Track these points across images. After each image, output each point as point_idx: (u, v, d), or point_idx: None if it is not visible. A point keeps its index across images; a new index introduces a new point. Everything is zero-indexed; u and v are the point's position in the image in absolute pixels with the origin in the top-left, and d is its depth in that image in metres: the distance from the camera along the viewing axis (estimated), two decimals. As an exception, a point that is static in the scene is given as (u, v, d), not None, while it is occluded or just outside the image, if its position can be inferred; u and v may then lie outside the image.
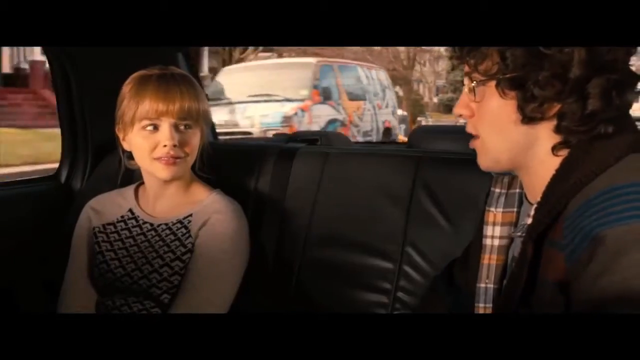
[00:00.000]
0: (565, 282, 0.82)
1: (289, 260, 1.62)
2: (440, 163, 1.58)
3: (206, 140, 1.51)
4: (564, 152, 0.91)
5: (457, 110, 1.00)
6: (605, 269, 0.77)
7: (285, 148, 1.81)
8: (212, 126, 2.27)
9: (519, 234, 0.99)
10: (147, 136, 1.40)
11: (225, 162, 1.70)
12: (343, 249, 1.58)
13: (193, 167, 1.51)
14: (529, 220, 0.94)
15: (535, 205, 0.92)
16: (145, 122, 1.39)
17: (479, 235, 1.09)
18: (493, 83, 0.92)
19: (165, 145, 1.38)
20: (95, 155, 1.91)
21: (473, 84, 0.95)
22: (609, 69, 0.86)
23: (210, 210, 1.45)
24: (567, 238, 0.82)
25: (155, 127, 1.39)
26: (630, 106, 0.90)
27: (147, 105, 1.38)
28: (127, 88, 1.43)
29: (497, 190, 1.07)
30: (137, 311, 1.42)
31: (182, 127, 1.40)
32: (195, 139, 1.43)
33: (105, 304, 1.46)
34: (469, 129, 1.00)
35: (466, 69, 0.97)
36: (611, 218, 0.78)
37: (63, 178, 1.94)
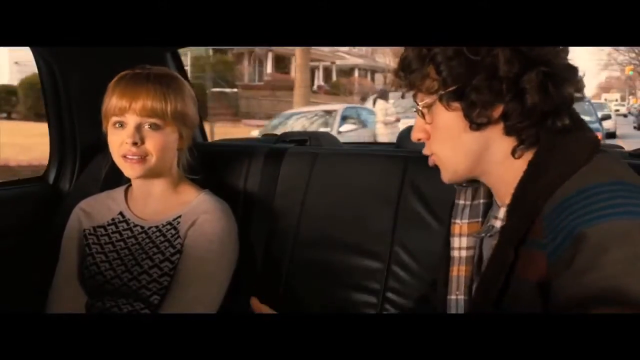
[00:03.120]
0: (545, 280, 0.84)
1: (277, 260, 1.62)
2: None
3: (190, 142, 1.50)
4: (527, 154, 0.93)
5: (414, 135, 1.03)
6: (588, 266, 0.78)
7: (274, 148, 1.81)
8: (202, 128, 2.26)
9: (483, 235, 1.01)
10: (115, 133, 1.41)
11: (214, 163, 1.70)
12: (332, 249, 1.58)
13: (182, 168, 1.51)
14: (498, 223, 0.96)
15: (505, 208, 0.94)
16: (114, 118, 1.41)
17: (447, 248, 1.10)
18: (437, 100, 0.95)
19: (126, 143, 1.39)
20: (84, 156, 1.90)
21: (420, 106, 0.98)
22: (539, 63, 0.89)
23: (198, 211, 1.45)
24: (547, 237, 0.84)
25: (122, 125, 1.40)
26: (572, 99, 0.92)
27: (114, 102, 1.40)
28: (109, 85, 1.44)
29: (462, 202, 1.10)
30: (127, 313, 1.41)
31: (146, 127, 1.40)
32: (162, 140, 1.41)
33: (95, 306, 1.45)
34: (425, 151, 1.03)
35: (414, 92, 0.99)
36: (592, 216, 0.80)
37: (51, 179, 1.93)
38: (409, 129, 2.24)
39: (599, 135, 11.09)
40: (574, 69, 0.92)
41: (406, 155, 1.61)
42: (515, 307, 0.88)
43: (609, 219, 0.79)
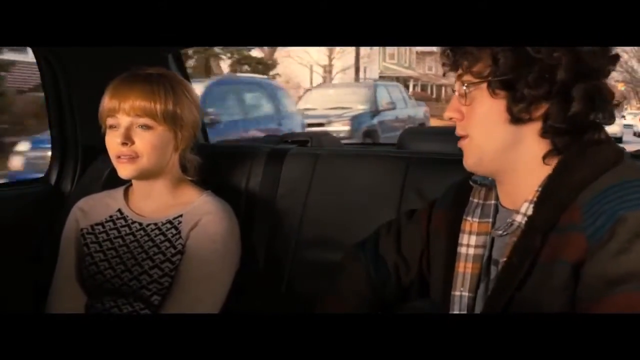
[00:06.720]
0: (582, 262, 0.88)
1: (279, 261, 1.62)
2: (430, 164, 1.58)
3: (187, 143, 1.48)
4: (554, 160, 0.96)
5: (447, 114, 1.04)
6: (624, 247, 0.83)
7: (276, 149, 1.81)
8: (204, 129, 2.26)
9: (500, 232, 1.02)
10: (110, 134, 1.42)
11: (216, 164, 1.70)
12: (333, 250, 1.57)
13: (183, 169, 1.51)
14: (519, 217, 0.97)
15: (530, 203, 0.96)
16: (109, 120, 1.41)
17: (449, 244, 1.11)
18: (484, 85, 0.96)
19: (117, 143, 1.39)
20: (85, 157, 1.90)
21: (464, 88, 0.99)
22: (593, 76, 0.93)
23: (201, 211, 1.45)
24: (587, 221, 0.88)
25: (116, 126, 1.40)
26: (612, 116, 0.96)
27: (106, 103, 1.41)
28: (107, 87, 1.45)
29: (476, 200, 1.11)
30: (127, 313, 1.41)
31: (137, 127, 1.40)
32: (153, 140, 1.40)
33: (95, 306, 1.45)
34: (459, 131, 1.03)
35: (458, 72, 1.00)
36: (632, 203, 0.86)
37: (53, 180, 1.93)
38: (409, 130, 2.25)
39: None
40: (611, 91, 0.96)
41: (408, 157, 1.61)
42: (542, 290, 0.91)
43: None
